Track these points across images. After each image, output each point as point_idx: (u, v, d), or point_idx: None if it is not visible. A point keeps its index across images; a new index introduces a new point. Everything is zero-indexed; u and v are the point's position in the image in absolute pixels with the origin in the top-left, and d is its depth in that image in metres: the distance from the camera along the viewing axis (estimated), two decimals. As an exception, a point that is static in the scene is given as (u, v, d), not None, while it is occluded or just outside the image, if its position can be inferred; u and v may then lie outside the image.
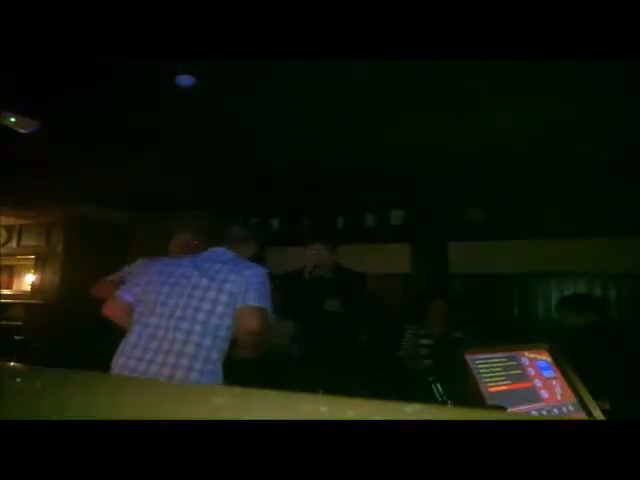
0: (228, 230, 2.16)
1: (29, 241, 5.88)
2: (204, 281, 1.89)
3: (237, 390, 0.64)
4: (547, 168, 3.55)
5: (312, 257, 2.76)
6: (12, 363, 0.91)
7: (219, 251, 2.07)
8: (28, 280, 5.99)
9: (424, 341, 3.35)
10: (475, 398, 1.32)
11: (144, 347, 1.81)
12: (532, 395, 1.47)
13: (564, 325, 2.72)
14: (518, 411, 1.37)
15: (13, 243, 5.99)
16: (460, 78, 2.30)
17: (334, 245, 2.83)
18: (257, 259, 2.20)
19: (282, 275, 2.74)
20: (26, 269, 6.06)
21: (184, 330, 1.80)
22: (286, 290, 2.34)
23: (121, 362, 1.82)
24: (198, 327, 1.81)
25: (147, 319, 1.87)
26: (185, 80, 2.34)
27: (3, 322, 5.41)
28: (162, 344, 1.80)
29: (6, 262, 6.00)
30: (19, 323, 5.43)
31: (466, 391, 1.35)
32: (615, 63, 1.97)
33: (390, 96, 2.55)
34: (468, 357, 1.42)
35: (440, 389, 1.32)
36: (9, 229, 5.99)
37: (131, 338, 1.86)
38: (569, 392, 1.54)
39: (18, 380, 0.72)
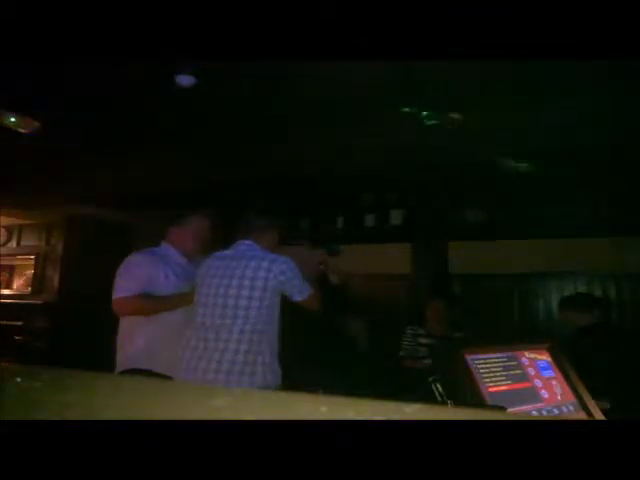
0: (248, 221, 2.16)
1: (29, 241, 5.88)
2: (235, 281, 1.97)
3: (237, 390, 0.65)
4: (547, 168, 3.55)
5: (316, 260, 2.76)
6: (12, 363, 0.92)
7: (244, 246, 2.10)
8: (28, 280, 6.00)
9: (424, 341, 3.36)
10: (475, 398, 1.32)
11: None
12: (532, 395, 1.48)
13: (565, 325, 2.73)
14: (518, 411, 1.37)
15: (13, 243, 6.00)
16: (460, 78, 2.30)
17: (334, 249, 2.83)
18: (279, 246, 2.21)
19: None
20: (26, 269, 6.06)
21: (223, 335, 1.92)
22: None
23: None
24: (235, 330, 1.91)
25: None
26: (185, 80, 2.34)
27: (3, 322, 5.41)
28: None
29: (6, 262, 6.00)
30: (19, 323, 5.43)
31: (466, 391, 1.35)
32: (615, 63, 1.97)
33: (390, 96, 2.55)
34: (468, 357, 1.42)
35: (440, 389, 1.32)
36: (9, 229, 5.99)
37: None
38: (569, 392, 1.54)
39: (18, 380, 0.72)
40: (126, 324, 2.19)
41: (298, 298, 2.03)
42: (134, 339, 2.14)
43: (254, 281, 1.94)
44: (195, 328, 2.00)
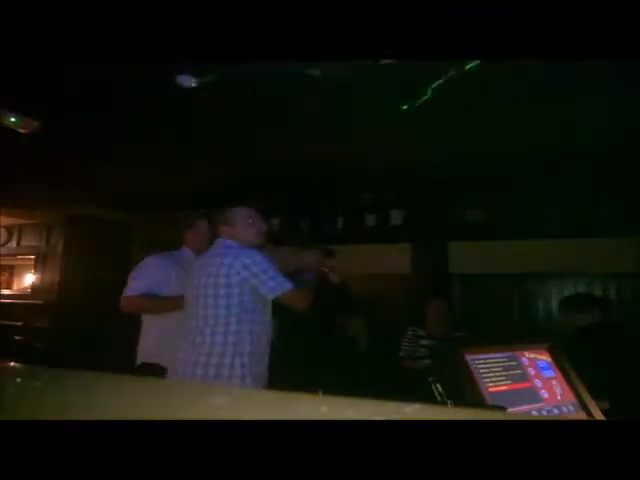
0: (223, 214, 2.08)
1: (29, 241, 5.88)
2: (203, 280, 1.91)
3: (237, 390, 0.65)
4: (547, 168, 3.55)
5: (313, 260, 2.76)
6: (12, 363, 0.91)
7: (219, 242, 2.03)
8: (28, 280, 6.00)
9: (424, 341, 3.36)
10: (475, 398, 1.32)
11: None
12: (532, 395, 1.48)
13: (565, 325, 2.72)
14: (518, 411, 1.37)
15: (13, 243, 6.00)
16: (460, 78, 2.30)
17: (330, 250, 2.83)
18: (266, 241, 2.15)
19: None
20: (26, 269, 6.07)
21: (197, 338, 1.87)
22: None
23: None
24: (209, 325, 1.86)
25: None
26: (185, 80, 2.34)
27: (3, 322, 5.41)
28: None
29: (6, 262, 6.00)
30: (19, 323, 5.43)
31: (466, 391, 1.35)
32: (615, 63, 1.97)
33: (390, 96, 2.55)
34: (468, 357, 1.42)
35: (440, 389, 1.32)
36: (9, 229, 5.99)
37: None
38: (569, 392, 1.54)
39: (18, 380, 0.72)
40: (144, 319, 2.32)
41: (271, 294, 1.89)
42: (148, 334, 2.28)
43: (217, 279, 1.86)
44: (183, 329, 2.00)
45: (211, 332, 1.84)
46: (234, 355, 1.82)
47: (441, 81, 2.31)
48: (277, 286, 1.88)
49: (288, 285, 1.90)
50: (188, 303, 1.98)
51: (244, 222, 2.05)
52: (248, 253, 1.89)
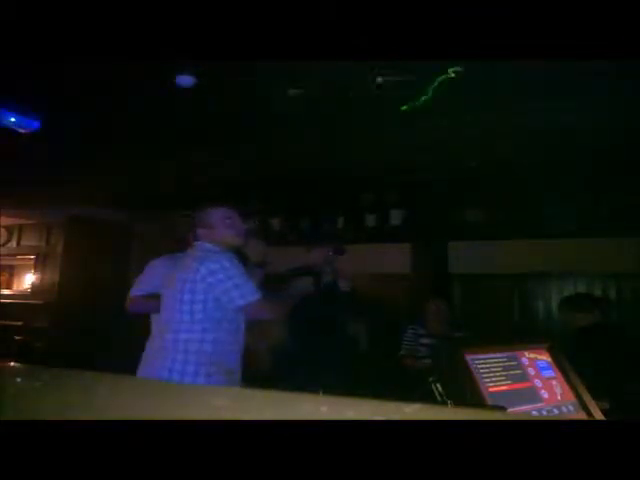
0: (200, 216, 1.97)
1: (29, 241, 5.88)
2: (173, 284, 1.85)
3: (237, 390, 0.65)
4: (547, 168, 3.55)
5: (322, 258, 2.76)
6: (12, 363, 0.91)
7: (198, 245, 1.92)
8: (28, 280, 6.00)
9: (425, 341, 3.36)
10: (475, 398, 1.32)
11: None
12: (532, 395, 1.47)
13: (565, 325, 2.73)
14: (518, 411, 1.37)
15: (13, 243, 6.00)
16: (460, 78, 2.30)
17: (340, 248, 2.83)
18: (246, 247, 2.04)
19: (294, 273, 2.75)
20: (26, 269, 6.06)
21: (164, 343, 1.81)
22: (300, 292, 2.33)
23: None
24: (172, 331, 1.79)
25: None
26: (185, 80, 2.34)
27: (3, 322, 5.42)
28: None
29: (6, 262, 6.00)
30: (19, 323, 5.43)
31: (466, 391, 1.35)
32: (614, 63, 1.97)
33: (390, 96, 2.55)
34: (468, 357, 1.42)
35: (440, 389, 1.32)
36: (9, 229, 5.99)
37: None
38: (569, 392, 1.54)
39: (18, 380, 0.72)
40: (152, 320, 2.32)
41: (232, 304, 1.76)
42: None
43: (184, 284, 1.78)
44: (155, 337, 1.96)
45: (173, 339, 1.77)
46: (198, 364, 1.74)
47: (435, 85, 2.32)
48: (240, 296, 1.75)
49: (254, 296, 1.77)
50: (162, 306, 1.90)
51: (222, 223, 1.93)
52: (217, 258, 1.78)
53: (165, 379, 1.71)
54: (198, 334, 1.76)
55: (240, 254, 1.99)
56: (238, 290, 1.75)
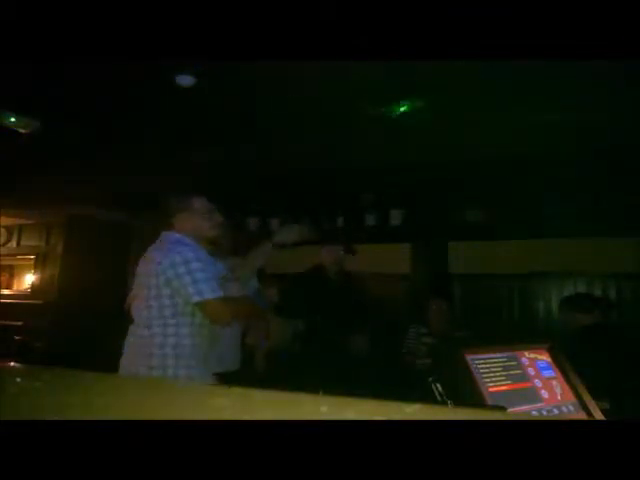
0: (178, 202, 1.91)
1: (29, 241, 5.88)
2: (138, 278, 1.81)
3: (237, 390, 0.65)
4: (547, 168, 3.55)
5: (332, 257, 2.77)
6: (12, 363, 0.91)
7: (167, 235, 1.86)
8: (28, 280, 5.99)
9: (426, 340, 3.36)
10: (475, 398, 1.32)
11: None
12: (532, 395, 1.47)
13: (565, 325, 2.72)
14: (518, 411, 1.37)
15: (13, 243, 5.99)
16: (460, 78, 2.30)
17: (351, 247, 2.83)
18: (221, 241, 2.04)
19: (303, 275, 2.75)
20: (26, 269, 6.06)
21: (130, 338, 1.79)
22: (308, 289, 2.31)
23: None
24: (144, 326, 1.75)
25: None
26: (185, 80, 2.34)
27: (3, 322, 5.42)
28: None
29: (6, 262, 6.00)
30: (19, 323, 5.43)
31: (466, 391, 1.35)
32: (614, 63, 1.97)
33: (390, 96, 2.55)
34: (468, 357, 1.42)
35: (440, 389, 1.32)
36: (9, 229, 5.99)
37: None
38: (569, 392, 1.54)
39: (18, 380, 0.72)
40: None
41: (191, 299, 1.69)
42: None
43: (149, 278, 1.72)
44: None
45: (150, 334, 1.72)
46: (176, 358, 1.70)
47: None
48: (196, 293, 1.66)
49: (211, 294, 1.68)
50: (133, 301, 1.84)
51: (200, 212, 1.88)
52: (180, 250, 1.72)
53: (145, 375, 1.67)
54: (172, 328, 1.71)
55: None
56: (194, 287, 1.67)
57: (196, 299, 1.68)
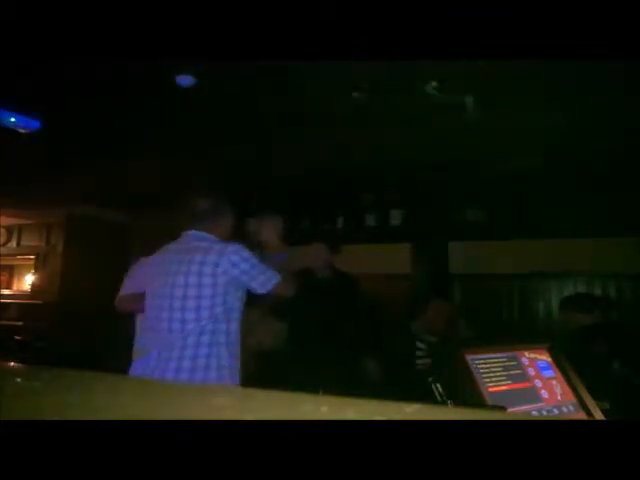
0: (193, 207, 1.94)
1: (29, 241, 5.88)
2: (180, 279, 1.78)
3: (237, 390, 0.64)
4: (547, 168, 3.55)
5: (317, 256, 2.75)
6: (12, 363, 0.91)
7: (190, 236, 1.90)
8: (28, 280, 6.00)
9: (427, 339, 3.36)
10: (475, 398, 1.32)
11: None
12: (532, 395, 1.48)
13: (565, 325, 2.72)
14: (518, 411, 1.37)
15: (13, 243, 5.99)
16: (460, 78, 2.30)
17: (337, 246, 2.82)
18: (235, 235, 2.04)
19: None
20: (26, 269, 6.07)
21: (171, 340, 1.75)
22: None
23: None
24: (187, 323, 1.75)
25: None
26: (185, 80, 2.34)
27: (3, 322, 5.42)
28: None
29: (6, 262, 6.00)
30: (19, 323, 5.43)
31: (466, 391, 1.35)
32: (614, 63, 1.97)
33: (390, 96, 2.55)
34: (468, 357, 1.42)
35: (440, 389, 1.32)
36: (9, 229, 5.99)
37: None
38: (569, 392, 1.54)
39: (18, 380, 0.72)
40: (137, 319, 2.28)
41: (263, 290, 1.81)
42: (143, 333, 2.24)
43: (201, 278, 1.74)
44: (144, 334, 1.89)
45: (199, 332, 1.73)
46: (209, 357, 1.73)
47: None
48: (267, 280, 1.82)
49: (277, 277, 1.84)
50: (155, 304, 1.83)
51: (231, 218, 2.00)
52: (234, 249, 1.79)
53: (185, 379, 1.68)
54: (213, 325, 1.74)
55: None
56: (264, 275, 1.81)
57: (269, 285, 1.82)
